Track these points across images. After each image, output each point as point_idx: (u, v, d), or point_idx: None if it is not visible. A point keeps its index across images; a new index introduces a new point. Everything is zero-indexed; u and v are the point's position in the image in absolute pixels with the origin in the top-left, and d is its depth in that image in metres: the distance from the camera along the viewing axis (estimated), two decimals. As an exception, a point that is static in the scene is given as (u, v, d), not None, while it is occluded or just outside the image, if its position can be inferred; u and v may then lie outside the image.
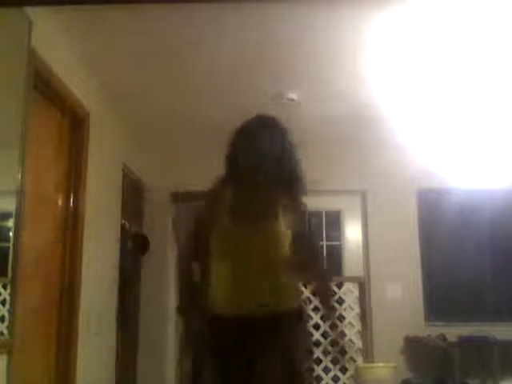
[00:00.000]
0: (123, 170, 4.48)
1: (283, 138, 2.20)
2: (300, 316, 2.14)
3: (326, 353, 5.04)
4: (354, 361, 5.02)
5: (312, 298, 5.05)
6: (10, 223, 2.45)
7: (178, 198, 5.19)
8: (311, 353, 2.46)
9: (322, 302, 2.39)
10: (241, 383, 1.99)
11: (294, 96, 3.93)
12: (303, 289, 2.85)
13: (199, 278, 2.16)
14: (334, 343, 2.54)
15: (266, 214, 2.10)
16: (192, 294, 2.16)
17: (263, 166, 2.10)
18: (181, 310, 2.24)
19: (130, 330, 4.68)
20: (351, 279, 5.39)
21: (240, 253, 2.06)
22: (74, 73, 3.26)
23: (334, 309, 2.56)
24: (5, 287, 2.39)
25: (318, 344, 4.98)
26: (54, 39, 2.95)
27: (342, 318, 5.14)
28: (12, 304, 2.38)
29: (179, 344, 5.17)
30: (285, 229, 2.10)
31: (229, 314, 2.02)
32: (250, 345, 1.98)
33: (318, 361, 5.02)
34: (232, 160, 2.18)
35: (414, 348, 4.91)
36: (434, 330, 4.80)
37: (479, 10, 2.87)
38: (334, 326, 2.32)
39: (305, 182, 2.21)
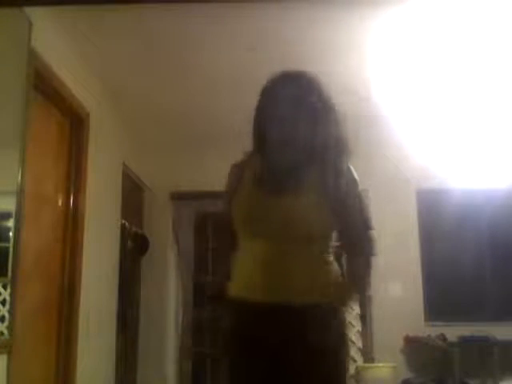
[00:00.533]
0: (123, 170, 4.48)
1: (314, 95, 1.83)
2: (334, 315, 1.77)
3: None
4: (354, 361, 5.02)
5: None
6: (10, 223, 2.45)
7: (177, 197, 5.20)
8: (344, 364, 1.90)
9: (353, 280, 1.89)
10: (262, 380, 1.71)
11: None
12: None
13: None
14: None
15: (294, 185, 1.73)
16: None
17: (292, 134, 1.77)
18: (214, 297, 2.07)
19: (130, 330, 4.68)
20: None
21: (265, 228, 1.73)
22: (74, 73, 3.26)
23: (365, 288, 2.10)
24: (5, 287, 2.39)
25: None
26: (54, 39, 2.95)
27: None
28: (12, 304, 2.38)
29: (179, 344, 5.18)
30: (318, 203, 1.72)
31: (250, 298, 1.72)
32: (274, 337, 1.68)
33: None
34: (257, 129, 1.85)
35: (414, 348, 4.91)
36: (434, 330, 4.81)
37: (478, 8, 2.87)
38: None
39: (347, 144, 1.93)
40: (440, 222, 5.13)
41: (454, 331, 4.63)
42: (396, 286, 5.00)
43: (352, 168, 1.87)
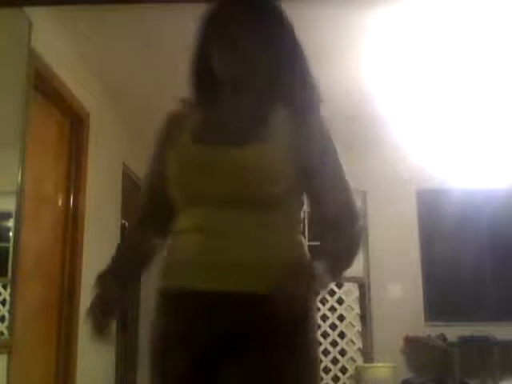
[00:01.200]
0: (123, 170, 4.48)
1: (275, 23, 1.38)
2: (301, 310, 1.20)
3: (326, 353, 5.05)
4: (354, 361, 5.03)
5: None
6: (10, 223, 2.45)
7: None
8: (315, 363, 1.31)
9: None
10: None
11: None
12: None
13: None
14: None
15: (250, 135, 1.26)
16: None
17: (246, 76, 1.33)
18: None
19: (130, 330, 4.68)
20: (351, 279, 5.38)
21: (211, 191, 1.25)
22: (74, 73, 3.26)
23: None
24: (5, 287, 2.39)
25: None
26: (54, 39, 2.95)
27: (342, 317, 5.15)
28: (12, 304, 2.38)
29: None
30: (285, 154, 1.25)
31: (185, 287, 1.26)
32: (217, 338, 1.22)
33: (318, 361, 5.02)
34: (198, 71, 1.48)
35: (414, 348, 4.91)
36: (434, 330, 4.81)
37: (476, 7, 2.87)
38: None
39: (315, 85, 1.43)
40: (440, 223, 5.13)
41: (454, 331, 4.63)
42: (396, 286, 5.00)
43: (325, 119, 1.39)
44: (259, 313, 1.17)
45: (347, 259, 1.39)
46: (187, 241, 1.29)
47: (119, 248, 1.53)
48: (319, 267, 1.22)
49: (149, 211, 1.44)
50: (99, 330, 1.35)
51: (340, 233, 1.34)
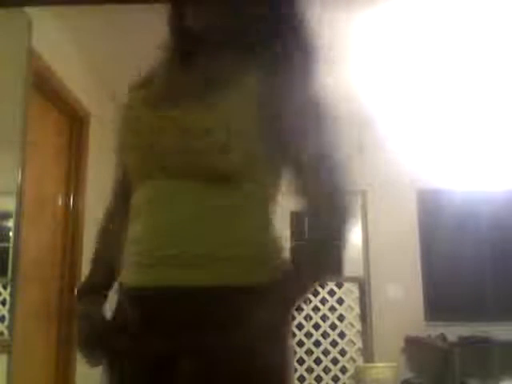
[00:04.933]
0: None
1: None
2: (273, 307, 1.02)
3: (326, 353, 5.05)
4: (354, 361, 5.03)
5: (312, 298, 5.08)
6: (10, 223, 2.45)
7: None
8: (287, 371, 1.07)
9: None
10: None
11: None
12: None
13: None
14: None
15: (202, 94, 1.06)
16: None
17: (217, 25, 1.16)
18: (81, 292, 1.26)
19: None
20: (351, 279, 5.38)
21: (158, 162, 1.06)
22: (74, 73, 3.26)
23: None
24: (5, 287, 2.39)
25: (317, 344, 4.99)
26: (54, 39, 2.95)
27: (342, 317, 5.15)
28: (12, 304, 2.38)
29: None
30: (243, 118, 1.04)
31: (136, 283, 1.09)
32: (167, 336, 1.04)
33: (318, 361, 5.02)
34: (173, 25, 1.33)
35: (414, 348, 4.91)
36: (433, 330, 4.80)
37: (472, 6, 2.87)
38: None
39: (312, 34, 1.23)
40: (440, 223, 5.13)
41: (454, 331, 4.63)
42: (396, 286, 5.00)
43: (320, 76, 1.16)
44: (223, 313, 1.00)
45: (327, 259, 1.14)
46: (136, 228, 1.10)
47: (96, 251, 1.30)
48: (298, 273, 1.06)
49: (118, 200, 1.32)
50: (94, 362, 1.29)
51: (320, 225, 1.13)
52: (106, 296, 1.23)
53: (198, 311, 1.01)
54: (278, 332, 1.05)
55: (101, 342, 1.21)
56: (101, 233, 1.32)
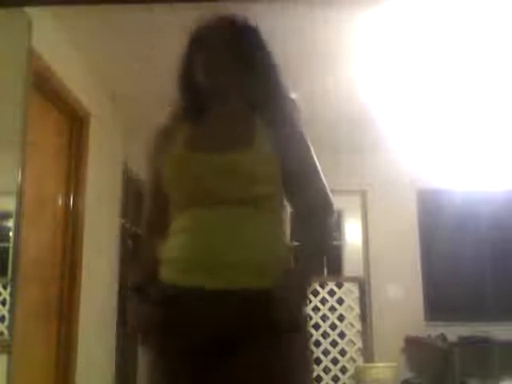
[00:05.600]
0: (123, 170, 4.48)
1: (251, 40, 1.56)
2: (295, 304, 1.35)
3: (326, 353, 5.05)
4: (354, 361, 5.03)
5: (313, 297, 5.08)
6: (10, 223, 2.45)
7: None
8: (310, 366, 1.51)
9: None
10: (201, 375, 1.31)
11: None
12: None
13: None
14: None
15: (236, 141, 1.41)
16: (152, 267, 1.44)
17: (229, 86, 1.50)
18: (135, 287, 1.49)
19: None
20: (351, 279, 5.39)
21: (204, 193, 1.38)
22: (74, 73, 3.26)
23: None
24: (5, 287, 2.39)
25: (317, 344, 4.99)
26: (54, 39, 2.95)
27: (342, 317, 5.16)
28: (12, 304, 2.38)
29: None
30: (266, 158, 1.40)
31: (186, 283, 1.34)
32: (212, 329, 1.30)
33: (318, 361, 5.02)
34: (183, 82, 1.59)
35: (414, 348, 4.91)
36: (433, 330, 4.80)
37: (472, 7, 2.87)
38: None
39: (290, 97, 1.61)
40: (440, 223, 5.13)
41: (454, 331, 4.63)
42: (396, 286, 5.00)
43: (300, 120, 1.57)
44: (245, 308, 1.29)
45: (323, 247, 1.53)
46: (180, 240, 1.39)
47: (138, 256, 1.59)
48: (303, 266, 1.39)
49: (156, 217, 1.55)
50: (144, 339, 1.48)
51: (314, 221, 1.47)
52: (147, 293, 1.45)
53: (229, 307, 1.29)
54: (297, 322, 1.34)
55: (145, 331, 1.44)
56: (143, 243, 1.59)
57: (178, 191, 1.44)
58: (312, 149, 1.52)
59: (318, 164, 1.52)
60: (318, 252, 1.49)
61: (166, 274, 1.40)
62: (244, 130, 1.45)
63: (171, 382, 1.34)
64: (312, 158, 1.51)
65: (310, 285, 1.42)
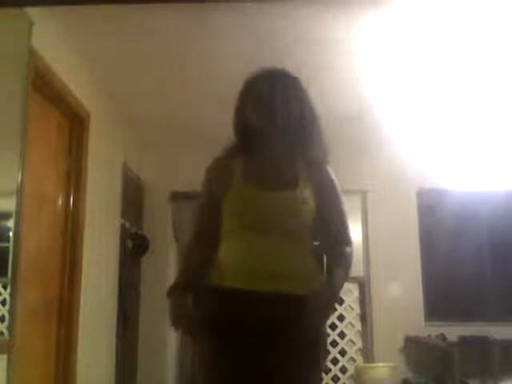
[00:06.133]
0: (123, 170, 4.48)
1: (297, 92, 1.86)
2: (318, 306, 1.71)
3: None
4: (354, 361, 5.03)
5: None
6: (10, 223, 2.45)
7: (178, 197, 5.19)
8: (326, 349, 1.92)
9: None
10: (252, 366, 1.66)
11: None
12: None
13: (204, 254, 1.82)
14: None
15: (284, 180, 1.77)
16: (199, 270, 1.79)
17: (276, 129, 1.80)
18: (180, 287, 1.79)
19: (130, 330, 4.68)
20: (351, 279, 5.38)
21: (258, 220, 1.74)
22: (75, 73, 3.26)
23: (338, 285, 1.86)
24: (5, 287, 2.39)
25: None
26: (54, 39, 2.95)
27: (342, 317, 5.16)
28: (12, 304, 2.38)
29: (179, 343, 5.18)
30: (307, 198, 1.76)
31: (241, 287, 1.71)
32: (262, 324, 1.67)
33: (318, 361, 5.02)
34: (239, 124, 1.87)
35: (414, 348, 4.91)
36: (433, 330, 4.80)
37: (476, 8, 2.87)
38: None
39: (326, 143, 1.90)
40: (440, 223, 5.13)
41: (454, 331, 4.62)
42: (396, 285, 5.00)
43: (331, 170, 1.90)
44: (288, 308, 1.68)
45: (345, 276, 1.86)
46: (237, 255, 1.76)
47: (185, 262, 1.92)
48: (329, 288, 1.75)
49: (205, 233, 1.85)
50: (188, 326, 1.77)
51: (337, 257, 1.86)
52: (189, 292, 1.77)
53: (272, 308, 1.68)
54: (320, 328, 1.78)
55: (186, 325, 1.76)
56: (189, 249, 1.90)
57: (236, 218, 1.78)
58: (341, 193, 1.87)
59: (344, 208, 1.86)
60: (341, 285, 1.82)
61: (222, 279, 1.75)
62: (289, 171, 1.80)
63: (225, 373, 1.68)
64: (340, 203, 1.86)
65: (333, 307, 1.84)
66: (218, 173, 1.86)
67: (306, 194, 1.76)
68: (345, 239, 1.87)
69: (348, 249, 1.87)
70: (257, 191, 1.76)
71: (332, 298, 1.78)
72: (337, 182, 1.86)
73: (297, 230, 1.76)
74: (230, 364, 1.68)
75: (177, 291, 1.77)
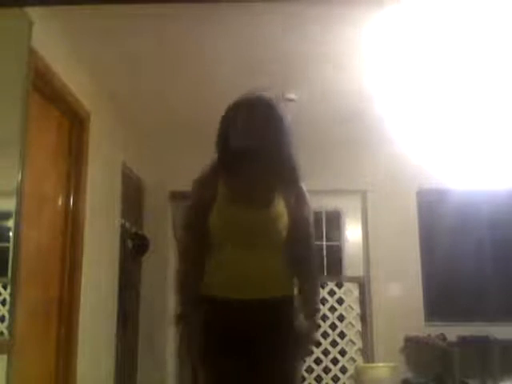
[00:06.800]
0: (123, 170, 4.48)
1: (274, 119, 2.02)
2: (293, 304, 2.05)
3: (326, 353, 5.05)
4: (354, 361, 5.03)
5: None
6: (10, 223, 2.45)
7: (177, 197, 5.19)
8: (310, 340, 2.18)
9: (304, 304, 2.08)
10: (241, 367, 1.90)
11: (293, 96, 3.93)
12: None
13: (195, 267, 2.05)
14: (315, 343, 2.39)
15: (262, 198, 1.99)
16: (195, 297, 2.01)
17: (254, 151, 1.95)
18: (181, 316, 2.03)
19: (130, 330, 4.68)
20: (351, 279, 5.39)
21: (240, 236, 1.97)
22: (74, 73, 3.26)
23: (316, 310, 2.20)
24: (5, 287, 2.39)
25: (318, 345, 4.98)
26: (53, 39, 2.95)
27: (342, 317, 5.16)
28: (12, 304, 2.38)
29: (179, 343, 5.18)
30: (282, 215, 1.99)
31: (228, 296, 1.95)
32: (249, 328, 1.92)
33: (318, 361, 5.03)
34: (221, 145, 2.04)
35: (414, 348, 4.91)
36: (433, 330, 4.80)
37: (477, 8, 2.87)
38: (313, 326, 2.13)
39: (300, 168, 2.08)
40: (440, 223, 5.12)
41: (454, 331, 4.63)
42: (396, 285, 5.00)
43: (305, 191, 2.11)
44: (270, 310, 1.94)
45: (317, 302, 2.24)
46: (224, 267, 1.98)
47: (186, 284, 2.08)
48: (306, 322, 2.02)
49: (194, 249, 2.04)
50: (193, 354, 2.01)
51: (307, 282, 2.09)
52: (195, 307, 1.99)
53: (256, 312, 1.93)
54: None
55: (197, 340, 1.96)
56: (184, 268, 2.09)
57: (222, 233, 1.98)
58: (311, 214, 2.11)
59: (312, 230, 2.11)
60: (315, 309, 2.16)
61: (210, 290, 1.97)
62: (266, 190, 2.01)
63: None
64: (309, 224, 2.10)
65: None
66: (204, 189, 2.05)
67: (281, 209, 1.99)
68: (310, 259, 2.12)
69: (315, 278, 2.16)
70: (238, 209, 1.97)
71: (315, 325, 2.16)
72: (308, 199, 2.09)
73: (273, 242, 1.99)
74: (224, 365, 1.91)
75: (182, 322, 2.00)
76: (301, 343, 2.00)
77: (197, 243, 2.03)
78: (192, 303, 2.00)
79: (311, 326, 2.05)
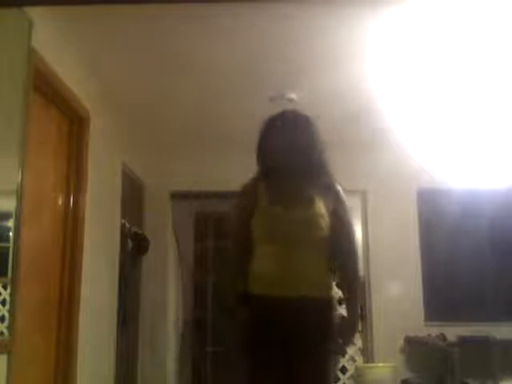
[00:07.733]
0: (123, 170, 4.48)
1: (308, 130, 2.29)
2: (332, 306, 2.21)
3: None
4: (354, 361, 5.03)
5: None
6: (10, 223, 2.45)
7: (177, 197, 5.20)
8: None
9: (347, 303, 2.28)
10: (279, 363, 2.06)
11: (293, 96, 3.93)
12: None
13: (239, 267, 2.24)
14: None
15: (301, 200, 2.18)
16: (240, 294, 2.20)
17: (291, 160, 2.21)
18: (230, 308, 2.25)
19: (130, 330, 4.68)
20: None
21: (281, 235, 2.13)
22: (75, 73, 3.26)
23: (358, 307, 2.35)
24: (5, 287, 2.39)
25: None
26: (54, 39, 2.95)
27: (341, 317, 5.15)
28: (12, 304, 2.38)
29: (179, 343, 5.18)
30: (322, 215, 2.16)
31: (270, 294, 2.10)
32: (289, 324, 2.06)
33: (318, 361, 5.01)
34: (261, 157, 2.29)
35: (414, 348, 4.91)
36: (433, 330, 4.81)
37: (478, 8, 2.87)
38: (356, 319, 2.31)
39: (331, 171, 2.31)
40: (440, 222, 5.13)
41: (454, 331, 4.63)
42: (396, 285, 5.00)
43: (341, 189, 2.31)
44: (311, 308, 2.10)
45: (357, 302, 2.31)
46: (267, 265, 2.14)
47: (228, 282, 2.29)
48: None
49: (239, 251, 2.23)
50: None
51: (348, 282, 2.29)
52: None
53: (299, 311, 2.08)
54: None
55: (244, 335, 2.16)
56: (233, 266, 2.27)
57: (263, 232, 2.16)
58: (351, 214, 2.32)
59: (353, 228, 2.33)
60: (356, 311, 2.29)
61: (254, 288, 2.14)
62: (305, 193, 2.20)
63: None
64: (350, 223, 2.30)
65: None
66: (246, 197, 2.26)
67: (322, 210, 2.16)
68: (353, 258, 2.27)
69: (357, 278, 2.30)
70: (279, 210, 2.15)
71: (356, 323, 2.32)
72: (346, 200, 2.28)
73: (314, 241, 2.14)
74: (264, 362, 2.07)
75: (231, 311, 2.22)
76: (342, 335, 2.18)
77: (241, 247, 2.21)
78: (238, 301, 2.17)
79: (354, 318, 2.24)
